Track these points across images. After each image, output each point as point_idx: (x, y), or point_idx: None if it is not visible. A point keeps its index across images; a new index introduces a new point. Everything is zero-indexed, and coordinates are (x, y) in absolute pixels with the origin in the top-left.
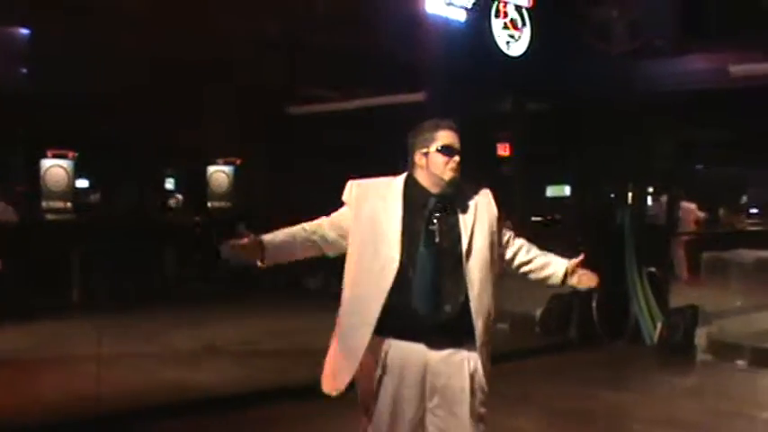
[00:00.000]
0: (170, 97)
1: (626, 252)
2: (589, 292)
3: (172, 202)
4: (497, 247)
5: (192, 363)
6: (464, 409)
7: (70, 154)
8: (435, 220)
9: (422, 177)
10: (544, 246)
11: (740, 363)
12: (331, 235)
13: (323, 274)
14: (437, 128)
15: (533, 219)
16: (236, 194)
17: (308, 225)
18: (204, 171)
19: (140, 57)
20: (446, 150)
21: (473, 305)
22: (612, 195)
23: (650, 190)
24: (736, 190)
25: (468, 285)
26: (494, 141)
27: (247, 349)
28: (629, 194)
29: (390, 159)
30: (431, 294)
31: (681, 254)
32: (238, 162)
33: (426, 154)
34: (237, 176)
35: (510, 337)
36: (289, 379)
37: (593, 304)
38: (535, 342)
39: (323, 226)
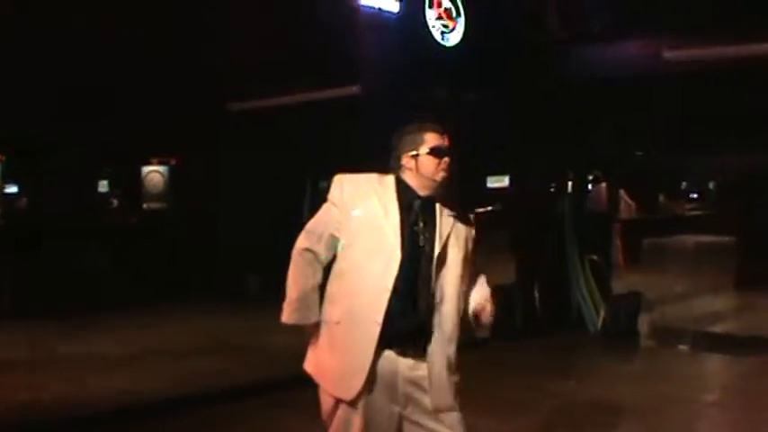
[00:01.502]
0: (101, 96)
1: (566, 240)
2: (531, 280)
3: (110, 203)
4: (468, 265)
5: (125, 368)
6: (446, 416)
7: None
8: (421, 223)
9: (410, 179)
10: (487, 234)
11: (682, 347)
12: (327, 256)
13: (264, 273)
14: (423, 130)
15: (476, 210)
16: (172, 195)
17: (311, 267)
18: (138, 172)
19: (69, 53)
20: (436, 152)
21: (443, 312)
22: (553, 184)
23: (590, 178)
24: (676, 176)
25: (440, 292)
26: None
27: (184, 352)
28: (569, 183)
29: (331, 154)
30: (408, 298)
31: (617, 241)
32: (174, 162)
33: (416, 156)
34: (173, 176)
35: None
36: (227, 381)
37: (536, 293)
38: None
39: (320, 254)
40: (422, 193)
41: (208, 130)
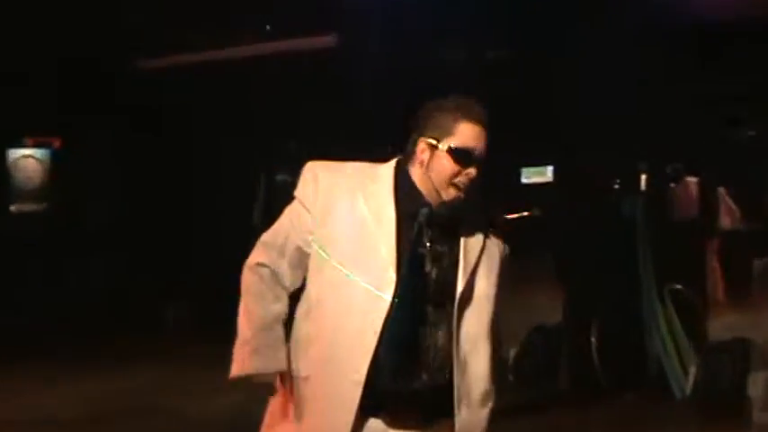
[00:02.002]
0: None
1: (639, 261)
2: (586, 320)
3: None
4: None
5: None
6: None
7: None
8: (428, 241)
9: (417, 176)
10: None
11: None
12: (294, 280)
13: (185, 301)
14: (460, 115)
15: (507, 216)
16: (52, 191)
17: (271, 292)
18: (3, 158)
19: None
20: (461, 155)
21: (461, 373)
22: (617, 180)
23: (671, 170)
24: None
25: (458, 344)
26: None
27: (82, 418)
28: (642, 176)
29: (294, 133)
30: (406, 349)
31: (714, 263)
32: (57, 143)
33: (434, 148)
34: (55, 164)
35: None
36: None
37: (593, 339)
38: (508, 397)
39: (283, 275)
40: (432, 199)
41: (106, 98)
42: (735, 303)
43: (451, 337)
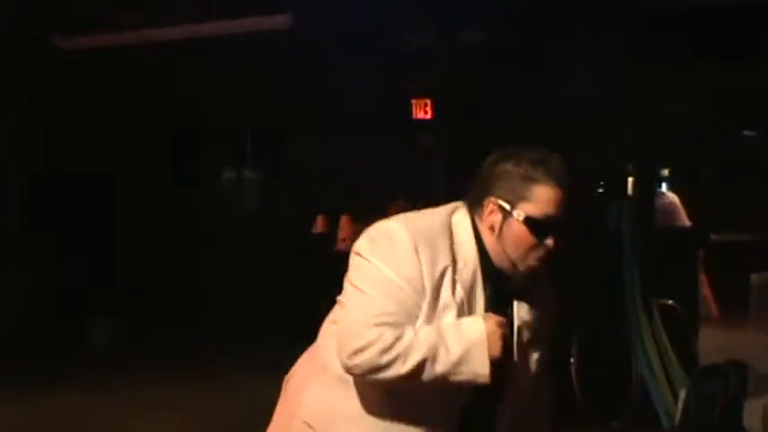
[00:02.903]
0: None
1: (624, 274)
2: (565, 340)
3: None
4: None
5: None
6: None
7: None
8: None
9: (489, 243)
10: None
11: None
12: None
13: (111, 320)
14: (539, 175)
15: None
16: None
17: None
18: None
19: None
20: (539, 227)
21: None
22: (601, 182)
23: (664, 173)
24: None
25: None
26: (405, 97)
27: None
28: (629, 180)
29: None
30: None
31: (702, 276)
32: None
33: (506, 214)
34: None
35: None
36: None
37: (571, 360)
38: None
39: None
40: (503, 266)
41: (21, 80)
42: (729, 321)
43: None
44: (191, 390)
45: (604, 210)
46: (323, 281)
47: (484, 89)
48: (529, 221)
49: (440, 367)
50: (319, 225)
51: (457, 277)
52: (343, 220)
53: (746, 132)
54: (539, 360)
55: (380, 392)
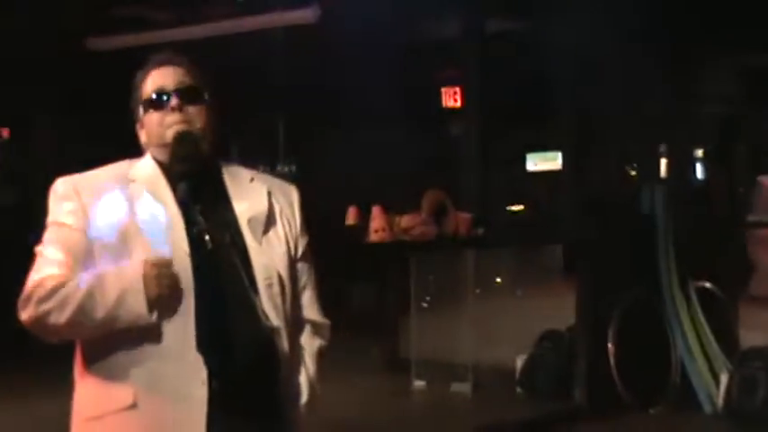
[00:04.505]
0: None
1: (660, 258)
2: (602, 322)
3: None
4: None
5: None
6: None
7: None
8: (199, 216)
9: (152, 153)
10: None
11: None
12: None
13: None
14: (140, 73)
15: (509, 208)
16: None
17: None
18: None
19: None
20: (157, 101)
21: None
22: (634, 164)
23: (698, 154)
24: None
25: (266, 321)
26: (435, 86)
27: None
28: (663, 161)
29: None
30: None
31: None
32: (5, 133)
33: (139, 119)
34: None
35: (473, 404)
36: None
37: (609, 344)
38: (515, 412)
39: None
40: (179, 168)
41: (57, 82)
42: None
43: (257, 313)
44: None
45: (638, 194)
46: (355, 273)
47: (514, 76)
48: (146, 103)
49: (99, 313)
50: (351, 217)
51: (137, 203)
52: (375, 211)
53: None
54: (287, 253)
55: (114, 339)
